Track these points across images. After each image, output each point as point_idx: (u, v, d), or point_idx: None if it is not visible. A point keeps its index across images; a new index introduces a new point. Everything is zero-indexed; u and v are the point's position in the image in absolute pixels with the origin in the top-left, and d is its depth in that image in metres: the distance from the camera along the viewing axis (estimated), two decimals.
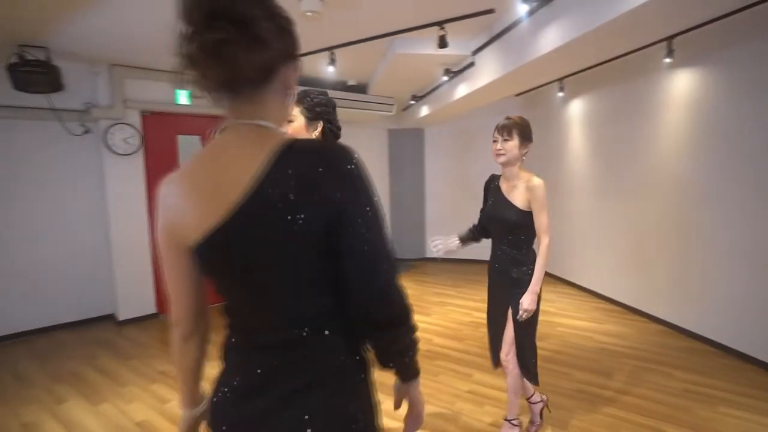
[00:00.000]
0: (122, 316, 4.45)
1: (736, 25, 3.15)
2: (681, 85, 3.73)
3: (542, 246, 2.15)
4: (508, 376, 2.32)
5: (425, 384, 3.01)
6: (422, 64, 4.21)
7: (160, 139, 4.62)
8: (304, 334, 0.82)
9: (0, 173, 3.95)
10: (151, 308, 4.64)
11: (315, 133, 1.60)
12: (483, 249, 8.06)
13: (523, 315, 2.13)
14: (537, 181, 2.16)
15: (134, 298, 4.51)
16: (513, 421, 2.37)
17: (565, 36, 2.72)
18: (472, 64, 3.95)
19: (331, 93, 5.10)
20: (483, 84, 3.88)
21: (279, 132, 0.84)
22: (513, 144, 2.16)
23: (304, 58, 4.10)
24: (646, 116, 4.09)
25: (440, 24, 3.28)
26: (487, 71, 3.78)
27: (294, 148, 0.79)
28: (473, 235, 2.45)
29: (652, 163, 4.04)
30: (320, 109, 1.60)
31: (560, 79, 4.92)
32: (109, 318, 4.57)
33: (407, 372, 0.95)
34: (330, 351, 0.84)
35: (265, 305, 0.82)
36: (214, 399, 0.88)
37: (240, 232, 0.77)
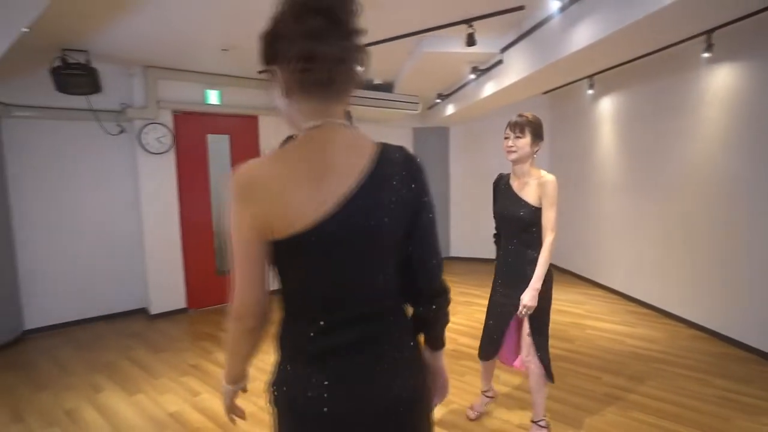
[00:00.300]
0: (154, 310, 4.60)
1: None
2: (720, 81, 3.59)
3: (547, 242, 2.15)
4: (531, 377, 2.29)
5: (452, 384, 3.01)
6: (450, 62, 4.19)
7: (190, 138, 4.74)
8: (391, 305, 0.99)
9: (44, 171, 4.14)
10: (181, 303, 4.78)
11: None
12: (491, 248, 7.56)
13: (523, 311, 2.14)
14: (549, 177, 2.15)
15: (165, 293, 4.65)
16: (540, 423, 2.34)
17: (598, 32, 2.65)
18: (500, 62, 3.90)
19: (357, 92, 5.15)
20: (511, 82, 3.82)
21: (361, 131, 0.97)
22: (525, 141, 2.15)
23: None
24: (682, 113, 3.95)
25: (468, 22, 3.25)
26: (516, 69, 3.72)
27: (385, 146, 0.96)
28: (498, 243, 2.44)
29: (688, 161, 3.90)
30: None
31: (590, 76, 4.81)
32: (142, 312, 4.73)
33: (439, 342, 1.09)
34: (405, 321, 1.04)
35: (360, 282, 0.94)
36: (312, 359, 0.95)
37: (351, 219, 0.88)
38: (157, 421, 2.69)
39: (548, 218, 2.15)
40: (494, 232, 2.46)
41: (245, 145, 5.12)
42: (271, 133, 5.27)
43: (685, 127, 3.92)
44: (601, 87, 5.00)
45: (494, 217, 2.39)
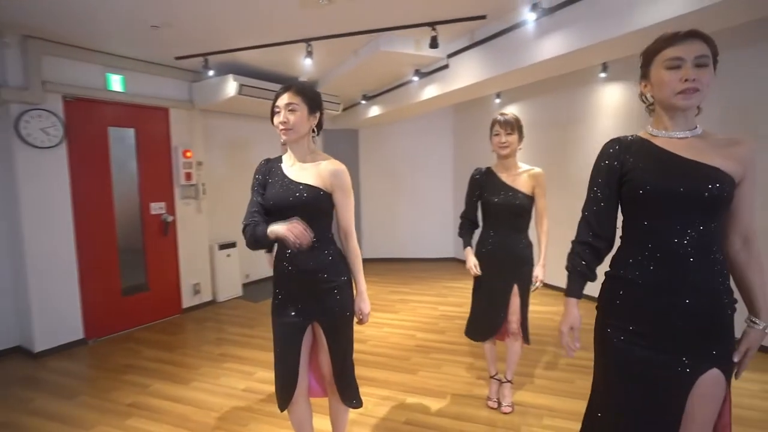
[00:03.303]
0: (40, 346, 3.60)
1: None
2: (612, 97, 4.38)
3: (545, 226, 2.50)
4: (515, 343, 2.55)
5: (433, 377, 3.08)
6: (399, 62, 4.26)
7: (87, 131, 3.87)
8: None
9: None
10: (77, 333, 3.83)
11: (313, 123, 1.77)
12: (417, 248, 8.37)
13: (538, 285, 2.45)
14: (540, 170, 2.48)
15: (55, 322, 3.68)
16: (511, 380, 2.66)
17: (562, 48, 3.03)
18: (446, 67, 4.12)
19: (278, 88, 4.86)
20: (457, 87, 4.08)
21: None
22: (514, 138, 2.42)
23: (277, 48, 3.87)
24: (583, 122, 4.71)
25: (433, 25, 3.37)
26: (464, 75, 3.98)
27: None
28: (471, 234, 2.62)
29: (588, 164, 4.65)
30: (318, 100, 1.79)
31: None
32: (18, 351, 3.67)
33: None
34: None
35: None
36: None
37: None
38: None
39: (544, 206, 2.49)
40: (460, 222, 2.63)
41: (154, 141, 4.39)
42: (183, 129, 4.62)
43: (585, 134, 4.68)
44: (507, 97, 5.64)
45: (473, 207, 2.56)
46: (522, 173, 2.46)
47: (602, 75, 4.34)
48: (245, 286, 5.49)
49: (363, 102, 5.74)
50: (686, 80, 1.16)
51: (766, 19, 2.71)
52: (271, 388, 2.96)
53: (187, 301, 4.72)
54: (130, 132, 4.23)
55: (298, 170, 1.77)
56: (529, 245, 2.51)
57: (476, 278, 2.55)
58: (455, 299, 5.04)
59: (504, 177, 2.47)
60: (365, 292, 1.88)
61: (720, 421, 1.24)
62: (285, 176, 1.76)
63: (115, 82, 4.00)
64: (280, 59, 4.41)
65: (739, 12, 2.45)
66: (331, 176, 1.74)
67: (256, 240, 1.66)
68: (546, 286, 5.28)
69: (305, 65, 3.89)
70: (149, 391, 3.01)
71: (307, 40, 3.66)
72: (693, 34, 1.19)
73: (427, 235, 7.07)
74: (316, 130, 1.81)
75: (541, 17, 2.99)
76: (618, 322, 1.30)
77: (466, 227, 2.61)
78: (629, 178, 1.27)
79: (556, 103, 5.02)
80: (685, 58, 1.17)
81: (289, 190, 1.72)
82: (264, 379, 3.13)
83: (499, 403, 2.64)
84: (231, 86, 4.29)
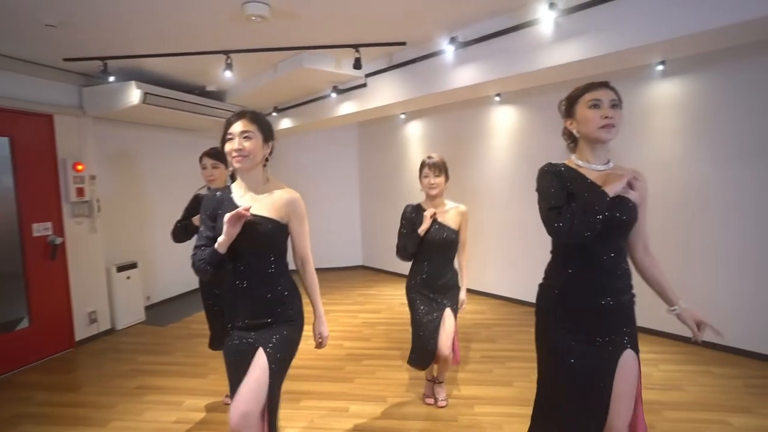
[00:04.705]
0: None
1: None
2: (505, 118, 5.03)
3: (467, 254, 2.84)
4: (447, 361, 2.71)
5: (370, 383, 3.25)
6: (319, 79, 4.35)
7: None
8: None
9: None
10: None
11: (267, 152, 1.75)
12: (327, 257, 8.54)
13: (464, 307, 2.82)
14: (465, 208, 2.78)
15: None
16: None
17: (473, 79, 3.45)
18: (364, 85, 4.33)
19: (186, 98, 4.65)
20: (374, 105, 4.32)
21: None
22: (442, 179, 2.66)
23: (188, 57, 3.66)
24: (479, 140, 5.29)
25: (356, 47, 3.55)
26: (382, 94, 4.24)
27: None
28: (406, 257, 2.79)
29: (484, 174, 5.26)
30: (271, 129, 1.78)
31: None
32: None
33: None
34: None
35: None
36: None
37: None
38: None
39: (466, 238, 2.80)
40: (398, 248, 2.76)
41: (36, 152, 3.82)
42: (72, 138, 4.10)
43: (481, 149, 5.27)
44: (411, 115, 6.07)
45: (409, 242, 2.69)
46: (449, 210, 2.72)
47: (497, 99, 4.96)
48: (148, 309, 5.01)
49: (274, 114, 5.67)
50: (606, 117, 1.46)
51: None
52: (207, 415, 2.84)
53: (82, 332, 4.17)
54: (4, 141, 3.62)
55: (251, 201, 1.71)
56: (456, 274, 2.79)
57: (413, 309, 2.74)
58: (373, 306, 5.26)
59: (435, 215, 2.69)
60: (323, 315, 1.92)
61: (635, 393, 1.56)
62: (237, 208, 1.66)
63: None
64: (189, 68, 4.19)
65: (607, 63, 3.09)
66: (287, 206, 1.74)
67: (208, 262, 1.62)
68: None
69: (225, 77, 3.77)
70: None
71: (227, 52, 3.57)
72: (605, 84, 1.53)
73: (336, 244, 7.20)
74: (267, 159, 1.78)
75: (458, 49, 3.36)
76: (555, 322, 1.59)
77: (404, 254, 2.74)
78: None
79: (455, 121, 5.55)
80: (603, 99, 1.48)
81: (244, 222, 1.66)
82: (195, 407, 2.97)
83: (436, 399, 2.90)
84: (134, 94, 3.94)
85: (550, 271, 1.66)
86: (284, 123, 5.71)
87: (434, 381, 2.94)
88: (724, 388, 2.94)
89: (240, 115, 1.71)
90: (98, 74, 3.79)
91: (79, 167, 4.08)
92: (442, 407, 2.85)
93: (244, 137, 1.66)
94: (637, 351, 1.57)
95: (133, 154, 5.02)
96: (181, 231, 2.75)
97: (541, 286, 1.69)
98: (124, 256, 4.74)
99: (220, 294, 2.00)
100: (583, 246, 1.49)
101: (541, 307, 1.66)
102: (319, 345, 1.92)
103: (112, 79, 3.86)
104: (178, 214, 2.83)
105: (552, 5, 2.84)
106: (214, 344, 2.84)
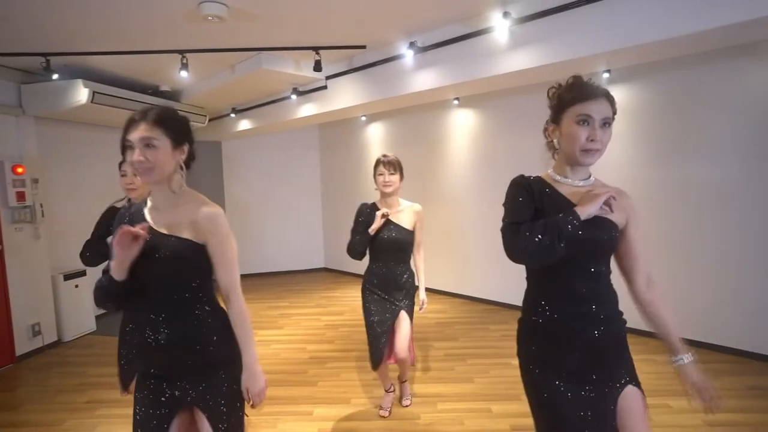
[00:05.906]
0: None
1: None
2: (464, 121, 5.16)
3: (422, 255, 2.79)
4: (406, 361, 2.72)
5: (334, 386, 3.24)
6: (278, 81, 4.30)
7: None
8: None
9: None
10: None
11: (181, 158, 1.40)
12: (287, 260, 8.49)
13: (425, 308, 2.77)
14: (420, 207, 2.74)
15: None
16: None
17: (432, 83, 3.53)
18: (324, 87, 4.32)
19: (140, 98, 4.51)
20: (335, 108, 4.33)
21: None
22: (397, 177, 2.64)
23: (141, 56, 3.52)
24: (439, 141, 5.41)
25: (317, 49, 3.55)
26: (343, 96, 4.25)
27: None
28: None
29: (447, 174, 5.38)
30: (185, 129, 1.44)
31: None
32: None
33: None
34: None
35: None
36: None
37: None
38: None
39: (421, 237, 2.73)
40: (348, 247, 2.70)
41: None
42: (11, 139, 3.84)
43: (441, 150, 5.39)
44: (372, 117, 6.11)
45: (361, 241, 2.64)
46: (404, 209, 2.67)
47: (455, 102, 5.08)
48: (99, 318, 4.77)
49: (232, 115, 5.55)
50: (592, 140, 1.25)
51: None
52: None
53: (23, 346, 3.91)
54: None
55: (161, 217, 1.40)
56: (412, 274, 2.73)
57: (364, 311, 2.70)
58: (336, 308, 5.26)
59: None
60: (255, 364, 1.46)
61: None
62: (149, 226, 1.37)
63: None
64: (142, 67, 4.03)
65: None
66: (203, 222, 1.38)
67: (105, 292, 1.34)
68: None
69: (180, 77, 3.66)
70: None
71: (183, 52, 3.47)
72: (602, 94, 1.29)
73: (296, 247, 7.13)
74: (184, 166, 1.41)
75: (417, 54, 3.43)
76: (540, 365, 1.35)
77: (360, 255, 2.67)
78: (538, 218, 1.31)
79: (416, 123, 5.64)
80: (594, 117, 1.25)
81: (150, 243, 1.33)
82: None
83: (400, 399, 2.94)
84: (81, 93, 3.74)
85: (526, 303, 1.43)
86: (243, 124, 5.60)
87: (392, 391, 2.88)
88: (665, 375, 3.15)
89: (141, 116, 1.34)
90: (40, 71, 3.57)
91: (19, 170, 3.83)
92: (406, 406, 2.90)
93: (146, 145, 1.31)
94: (638, 384, 1.35)
95: (81, 156, 4.75)
96: (96, 255, 2.25)
97: (519, 322, 1.45)
98: (73, 264, 4.47)
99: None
100: (558, 273, 1.30)
101: (521, 350, 1.42)
102: (252, 405, 1.50)
103: (55, 76, 3.65)
104: None
105: (506, 14, 2.96)
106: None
